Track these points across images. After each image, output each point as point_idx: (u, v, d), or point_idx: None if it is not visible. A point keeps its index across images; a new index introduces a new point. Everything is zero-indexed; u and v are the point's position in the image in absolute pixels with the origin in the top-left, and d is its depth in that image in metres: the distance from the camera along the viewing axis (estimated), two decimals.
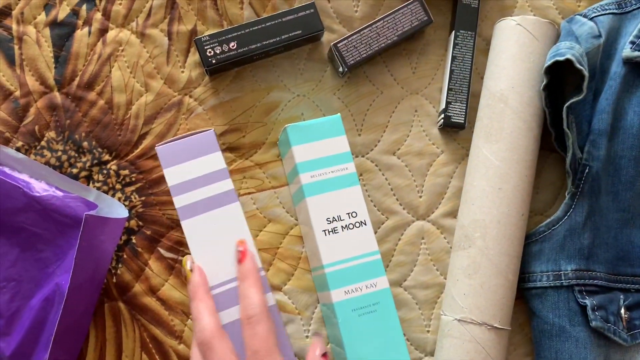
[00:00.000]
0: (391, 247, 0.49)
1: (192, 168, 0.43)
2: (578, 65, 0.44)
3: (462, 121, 0.49)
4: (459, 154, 0.51)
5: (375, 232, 0.49)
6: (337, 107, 0.50)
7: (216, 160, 0.43)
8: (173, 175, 0.43)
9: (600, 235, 0.46)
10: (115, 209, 0.44)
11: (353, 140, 0.50)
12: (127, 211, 0.44)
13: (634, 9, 0.51)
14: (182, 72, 0.49)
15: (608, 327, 0.44)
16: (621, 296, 0.46)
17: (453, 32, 0.50)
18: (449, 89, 0.50)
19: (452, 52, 0.50)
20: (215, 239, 0.42)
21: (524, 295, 0.47)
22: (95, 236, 0.41)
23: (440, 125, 0.50)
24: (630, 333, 0.45)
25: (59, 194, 0.44)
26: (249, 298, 0.38)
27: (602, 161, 0.46)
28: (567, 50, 0.45)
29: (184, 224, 0.42)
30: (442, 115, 0.50)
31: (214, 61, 0.47)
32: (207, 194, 0.43)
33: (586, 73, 0.44)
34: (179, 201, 0.42)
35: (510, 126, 0.46)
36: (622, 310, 0.45)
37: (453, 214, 0.50)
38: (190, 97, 0.49)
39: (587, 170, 0.46)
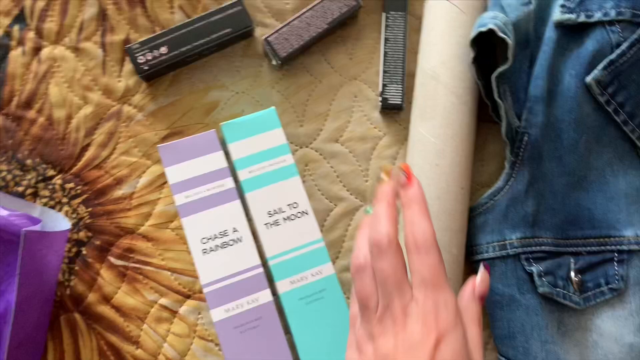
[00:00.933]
0: (342, 234, 0.49)
1: (192, 167, 0.44)
2: (501, 34, 0.43)
3: (400, 102, 0.49)
4: (401, 135, 0.51)
5: (325, 220, 0.49)
6: (277, 100, 0.51)
7: (217, 159, 0.45)
8: (173, 173, 0.45)
9: (545, 201, 0.46)
10: (60, 223, 0.45)
11: (295, 131, 0.50)
12: (69, 224, 0.45)
13: None
14: (119, 81, 0.50)
15: (557, 291, 0.44)
16: (572, 260, 0.46)
17: (383, 14, 0.50)
18: (385, 72, 0.50)
19: (385, 34, 0.50)
20: (215, 236, 0.43)
21: (474, 268, 0.47)
22: (38, 250, 0.42)
23: (379, 109, 0.50)
24: (584, 296, 0.45)
25: (4, 212, 0.45)
26: (418, 224, 0.33)
27: (541, 127, 0.46)
28: (490, 20, 0.45)
29: (184, 221, 0.43)
30: (380, 98, 0.50)
31: (146, 68, 0.48)
32: (207, 192, 0.44)
33: (510, 41, 0.44)
34: (179, 199, 0.44)
35: (443, 102, 0.46)
36: (573, 274, 0.45)
37: None
38: (129, 105, 0.50)
39: (525, 138, 0.46)
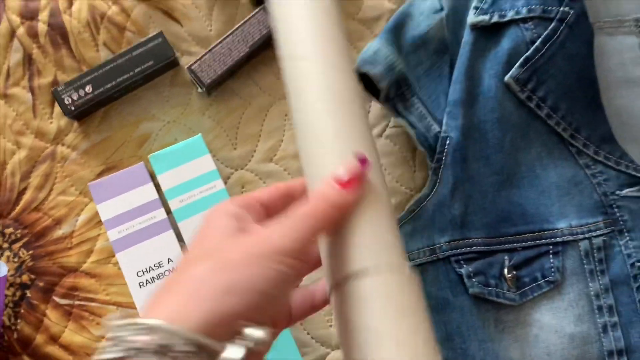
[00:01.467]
0: None
1: (124, 201, 0.45)
2: (378, 83, 0.46)
3: None
4: None
5: None
6: (208, 126, 0.51)
7: (148, 192, 0.45)
8: (106, 209, 0.46)
9: (473, 202, 0.47)
10: None
11: (229, 154, 0.51)
12: (6, 268, 0.45)
13: None
14: (51, 122, 0.51)
15: (489, 290, 0.45)
16: (506, 257, 0.46)
17: None
18: None
19: None
20: (151, 268, 0.44)
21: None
22: None
23: None
24: (520, 291, 0.46)
25: None
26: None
27: (462, 130, 0.47)
28: (368, 65, 0.46)
29: (119, 256, 0.44)
30: None
31: (72, 108, 0.48)
32: (140, 225, 0.45)
33: (383, 86, 0.46)
34: (112, 234, 0.44)
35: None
36: (506, 271, 0.46)
37: None
38: (63, 145, 0.50)
39: (447, 142, 0.47)
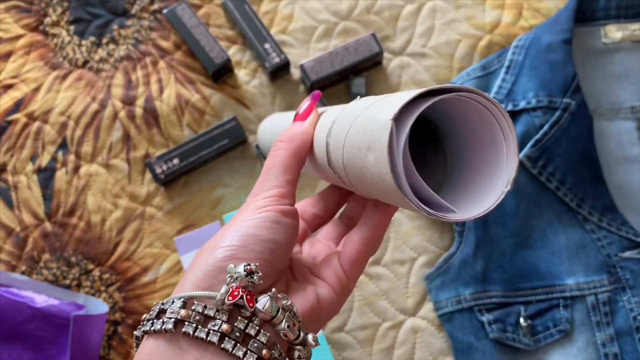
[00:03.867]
0: None
1: None
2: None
3: None
4: None
5: None
6: None
7: None
8: (188, 259, 0.56)
9: (493, 260, 0.56)
10: (100, 307, 0.56)
11: None
12: (107, 307, 0.55)
13: (496, 69, 0.62)
14: (142, 188, 0.62)
15: (506, 336, 0.52)
16: (522, 308, 0.55)
17: None
18: None
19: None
20: None
21: (441, 323, 0.56)
22: (83, 330, 0.52)
23: None
24: (534, 338, 0.53)
25: (56, 302, 0.56)
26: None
27: None
28: None
29: None
30: None
31: (162, 177, 0.60)
32: None
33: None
34: None
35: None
36: (522, 320, 0.54)
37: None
38: (151, 206, 0.62)
39: None
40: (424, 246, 0.60)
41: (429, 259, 0.59)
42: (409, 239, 0.59)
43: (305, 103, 0.36)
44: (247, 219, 0.31)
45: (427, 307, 0.57)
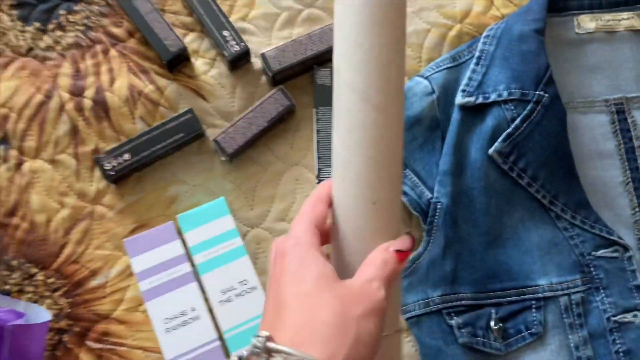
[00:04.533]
0: None
1: (154, 256, 0.51)
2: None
3: None
4: None
5: None
6: (229, 188, 0.58)
7: (175, 248, 0.52)
8: (138, 263, 0.52)
9: (463, 260, 0.53)
10: (41, 315, 0.52)
11: (247, 214, 0.58)
12: (49, 315, 0.51)
13: (466, 59, 0.59)
14: (91, 185, 0.58)
15: (476, 340, 0.50)
16: (492, 310, 0.52)
17: (314, 109, 0.59)
18: (319, 157, 0.58)
19: (316, 127, 0.58)
20: (176, 316, 0.50)
21: (408, 327, 0.53)
22: (22, 341, 0.48)
23: None
24: (506, 342, 0.51)
25: None
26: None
27: (452, 196, 0.54)
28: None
29: (148, 305, 0.50)
30: (317, 180, 0.57)
31: (113, 173, 0.56)
32: (168, 277, 0.51)
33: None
34: (143, 285, 0.50)
35: (345, 103, 0.37)
36: (492, 323, 0.51)
37: None
38: (101, 204, 0.57)
39: (438, 206, 0.53)
40: None
41: None
42: None
43: (406, 243, 0.38)
44: (373, 325, 0.34)
45: None
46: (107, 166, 0.56)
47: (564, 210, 0.54)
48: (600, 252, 0.54)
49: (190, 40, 0.61)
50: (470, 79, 0.57)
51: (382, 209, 0.38)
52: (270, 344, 0.31)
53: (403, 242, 0.38)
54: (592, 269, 0.53)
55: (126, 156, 0.56)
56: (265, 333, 0.32)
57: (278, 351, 0.31)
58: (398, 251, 0.37)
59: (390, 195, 0.38)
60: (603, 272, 0.53)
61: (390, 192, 0.38)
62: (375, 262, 0.36)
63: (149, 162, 0.57)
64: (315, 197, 0.39)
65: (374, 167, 0.37)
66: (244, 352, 0.32)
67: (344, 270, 0.37)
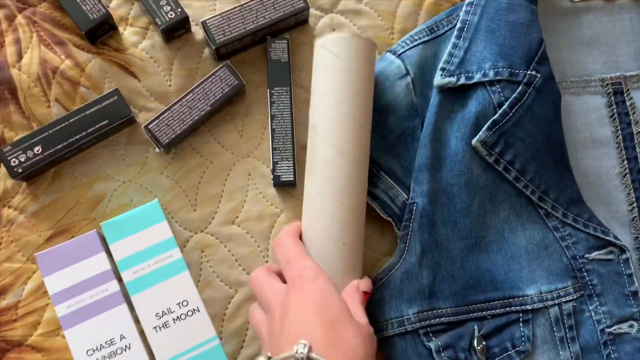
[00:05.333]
0: (244, 321, 0.47)
1: (73, 273, 0.42)
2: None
3: (292, 179, 0.48)
4: (299, 210, 0.49)
5: (226, 309, 0.47)
6: (167, 185, 0.49)
7: (99, 262, 0.42)
8: (53, 282, 0.42)
9: (442, 269, 0.46)
10: None
11: (188, 216, 0.49)
12: None
13: (446, 31, 0.51)
14: None
15: None
16: (475, 326, 0.45)
17: (268, 90, 0.49)
18: (274, 149, 0.49)
19: (271, 111, 0.49)
20: (102, 346, 0.41)
21: (379, 345, 0.46)
22: None
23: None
24: None
25: None
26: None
27: (429, 195, 0.46)
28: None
29: (67, 333, 0.41)
30: (272, 176, 0.49)
31: (20, 170, 0.45)
32: (90, 298, 0.42)
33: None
34: (60, 310, 0.41)
35: (322, 155, 0.44)
36: (475, 342, 0.44)
37: None
38: (9, 207, 0.47)
39: (414, 208, 0.45)
40: None
41: (367, 266, 0.49)
42: None
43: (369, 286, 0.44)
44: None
45: None
46: (14, 162, 0.45)
47: (555, 207, 0.48)
48: (594, 255, 0.47)
49: (117, 5, 0.51)
50: (450, 55, 0.48)
51: (351, 248, 0.44)
52: (313, 355, 0.35)
53: (368, 284, 0.44)
54: (585, 273, 0.47)
55: (37, 149, 0.46)
56: (305, 342, 0.35)
57: None
58: (365, 292, 0.42)
59: (358, 236, 0.44)
60: (597, 277, 0.47)
61: (358, 233, 0.44)
62: (357, 301, 0.41)
63: (66, 156, 0.47)
64: (294, 234, 0.44)
65: (346, 212, 0.43)
66: None
67: None
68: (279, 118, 0.49)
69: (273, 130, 0.49)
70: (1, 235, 0.47)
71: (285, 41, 0.49)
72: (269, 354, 0.36)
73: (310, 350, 0.35)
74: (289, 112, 0.49)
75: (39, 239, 0.47)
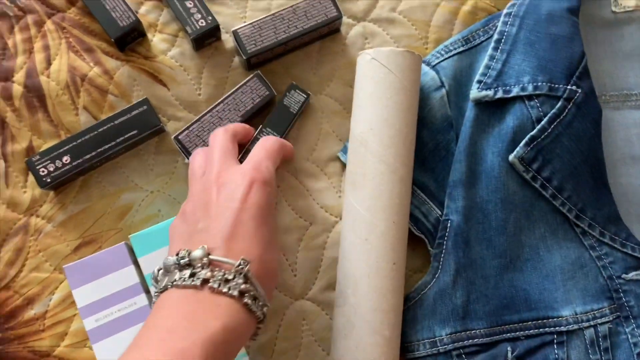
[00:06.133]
0: (272, 335, 0.47)
1: (102, 286, 0.42)
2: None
3: None
4: (328, 222, 0.48)
5: None
6: None
7: (128, 275, 0.42)
8: (82, 295, 0.42)
9: (476, 289, 0.44)
10: None
11: None
12: None
13: (482, 41, 0.49)
14: (25, 192, 0.47)
15: None
16: (509, 348, 0.44)
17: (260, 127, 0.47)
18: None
19: (249, 146, 0.47)
20: None
21: None
22: None
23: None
24: None
25: None
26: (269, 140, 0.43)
27: (463, 212, 0.45)
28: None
29: (96, 347, 0.41)
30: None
31: (48, 180, 0.45)
32: (119, 312, 0.41)
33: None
34: (89, 323, 0.41)
35: (372, 171, 0.43)
36: None
37: (332, 286, 0.47)
38: (37, 216, 0.47)
39: (448, 225, 0.44)
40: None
41: None
42: None
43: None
44: None
45: None
46: (42, 171, 0.45)
47: (592, 225, 0.46)
48: (632, 275, 0.46)
49: (147, 11, 0.50)
50: (487, 67, 0.47)
51: (400, 269, 0.43)
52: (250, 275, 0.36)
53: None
54: (621, 294, 0.46)
55: (65, 159, 0.45)
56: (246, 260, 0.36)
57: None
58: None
59: (405, 256, 0.44)
60: (634, 299, 0.46)
61: (405, 254, 0.44)
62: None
63: (94, 165, 0.47)
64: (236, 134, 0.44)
65: (397, 231, 0.43)
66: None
67: (364, 326, 0.41)
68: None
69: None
70: (29, 244, 0.47)
71: (306, 96, 0.48)
72: (188, 249, 0.36)
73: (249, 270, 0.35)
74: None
75: (66, 249, 0.47)
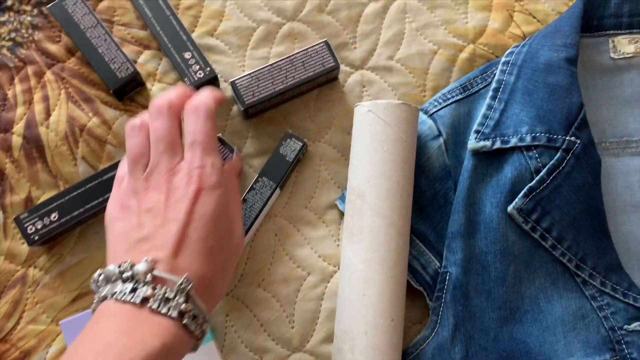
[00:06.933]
0: None
1: None
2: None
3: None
4: (327, 272, 0.48)
5: None
6: None
7: None
8: None
9: (475, 343, 0.44)
10: None
11: None
12: None
13: (480, 89, 0.49)
14: (23, 243, 0.47)
15: None
16: None
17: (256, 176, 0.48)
18: None
19: (246, 195, 0.47)
20: None
21: None
22: None
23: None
24: None
25: None
26: (202, 96, 0.40)
27: (462, 264, 0.44)
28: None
29: None
30: None
31: (36, 238, 0.45)
32: None
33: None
34: None
35: (369, 224, 0.43)
36: None
37: (330, 338, 0.47)
38: (35, 267, 0.47)
39: (447, 278, 0.44)
40: None
41: None
42: None
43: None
44: None
45: None
46: (30, 229, 0.45)
47: (593, 275, 0.46)
48: (634, 326, 0.45)
49: (145, 60, 0.50)
50: (485, 117, 0.47)
51: (398, 325, 0.43)
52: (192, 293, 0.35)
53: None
54: (624, 346, 0.45)
55: (53, 215, 0.45)
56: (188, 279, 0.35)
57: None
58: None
59: (403, 310, 0.43)
60: (636, 350, 0.45)
61: (403, 309, 0.43)
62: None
63: (82, 221, 0.46)
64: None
65: (395, 285, 0.42)
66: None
67: None
68: (249, 205, 0.47)
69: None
70: (27, 296, 0.47)
71: (302, 144, 0.48)
72: (129, 261, 0.35)
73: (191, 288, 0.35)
74: (260, 207, 0.47)
75: (63, 301, 0.47)
